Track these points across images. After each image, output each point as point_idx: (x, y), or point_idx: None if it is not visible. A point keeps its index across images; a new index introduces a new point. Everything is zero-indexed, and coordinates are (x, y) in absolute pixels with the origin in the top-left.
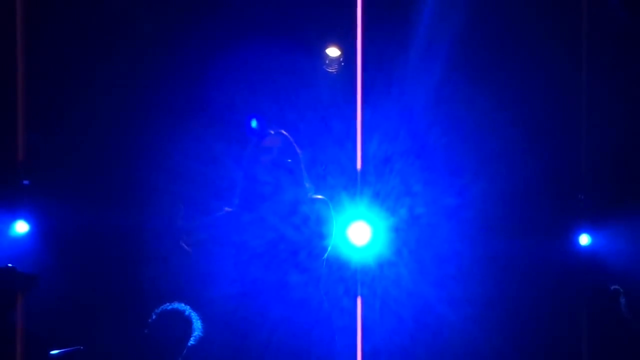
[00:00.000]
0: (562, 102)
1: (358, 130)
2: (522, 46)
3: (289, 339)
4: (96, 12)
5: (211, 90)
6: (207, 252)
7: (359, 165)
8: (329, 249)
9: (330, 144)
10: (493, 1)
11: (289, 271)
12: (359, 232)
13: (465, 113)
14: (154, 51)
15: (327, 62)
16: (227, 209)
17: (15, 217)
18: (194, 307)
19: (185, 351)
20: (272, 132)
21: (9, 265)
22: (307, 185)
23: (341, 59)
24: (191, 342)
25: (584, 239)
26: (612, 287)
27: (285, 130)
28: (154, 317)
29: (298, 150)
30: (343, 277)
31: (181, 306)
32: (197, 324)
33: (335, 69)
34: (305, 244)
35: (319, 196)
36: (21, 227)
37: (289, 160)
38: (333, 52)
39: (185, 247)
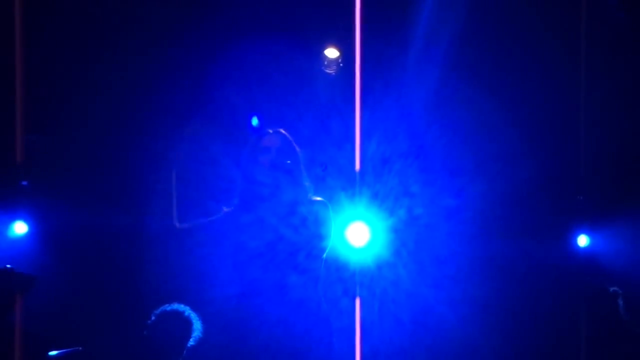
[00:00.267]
0: (561, 103)
1: (357, 131)
2: (521, 47)
3: (287, 340)
4: (95, 12)
5: (210, 91)
6: (206, 252)
7: (357, 166)
8: (328, 249)
9: (329, 145)
10: (492, 2)
11: (287, 272)
12: (358, 233)
13: (464, 114)
14: (152, 52)
15: (325, 63)
16: (225, 209)
17: (14, 218)
18: (193, 308)
19: (184, 352)
20: (271, 131)
21: (8, 266)
22: (307, 185)
23: (340, 60)
24: (191, 342)
25: (583, 240)
26: (611, 289)
27: (282, 129)
28: (153, 318)
29: (297, 150)
30: (342, 277)
31: (180, 307)
32: (197, 325)
33: (334, 69)
34: (304, 245)
35: (318, 198)
36: (20, 228)
37: (288, 162)
38: (332, 53)
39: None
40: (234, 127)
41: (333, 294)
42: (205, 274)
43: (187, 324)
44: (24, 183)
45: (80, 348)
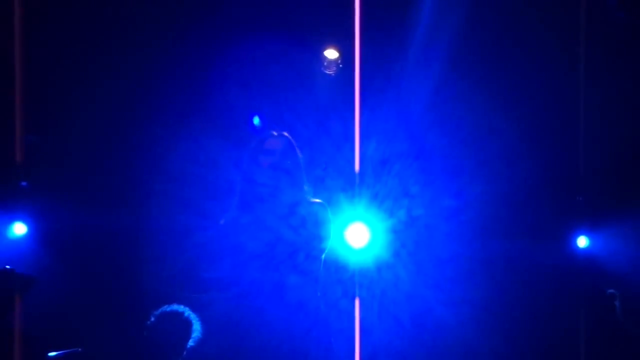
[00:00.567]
0: (561, 103)
1: (356, 132)
2: (520, 48)
3: (287, 341)
4: (94, 13)
5: (209, 92)
6: (206, 253)
7: (357, 167)
8: (327, 250)
9: (329, 146)
10: (491, 3)
11: (287, 273)
12: (357, 234)
13: (464, 115)
14: (152, 53)
15: (325, 64)
16: (222, 221)
17: (13, 218)
18: (193, 309)
19: (184, 352)
20: (275, 134)
21: (7, 267)
22: (306, 188)
23: (339, 61)
24: (190, 343)
25: (582, 241)
26: (608, 291)
27: (286, 132)
28: (152, 318)
29: (299, 153)
30: (341, 279)
31: (180, 307)
32: (196, 325)
33: (334, 70)
34: (304, 246)
35: (317, 200)
36: (19, 228)
37: (289, 162)
38: (331, 54)
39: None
40: (234, 128)
41: (332, 294)
42: (204, 275)
43: (187, 324)
44: (24, 184)
45: (79, 349)
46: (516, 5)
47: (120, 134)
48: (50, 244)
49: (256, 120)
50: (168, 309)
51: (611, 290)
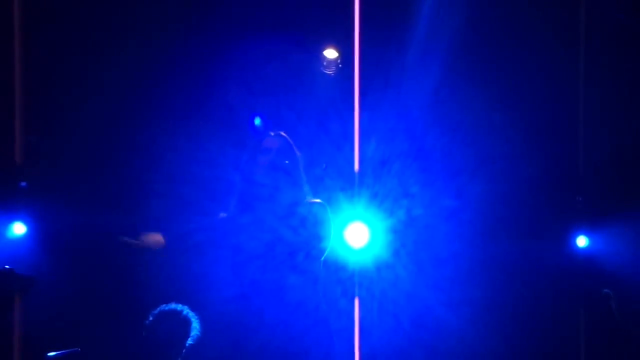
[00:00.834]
0: (560, 103)
1: (356, 132)
2: (520, 48)
3: (286, 340)
4: (94, 13)
5: (209, 92)
6: (205, 253)
7: (356, 167)
8: (327, 250)
9: (328, 146)
10: (491, 2)
11: (286, 273)
12: (357, 234)
13: (463, 115)
14: (152, 53)
15: (324, 64)
16: (222, 214)
17: (13, 218)
18: (193, 309)
19: (184, 351)
20: (272, 133)
21: (6, 267)
22: (306, 188)
23: (339, 61)
24: (189, 342)
25: (582, 241)
26: (604, 291)
27: (283, 132)
28: (151, 318)
29: (297, 153)
30: (341, 278)
31: (178, 306)
32: (195, 324)
33: (333, 70)
34: (303, 246)
35: (316, 199)
36: (18, 229)
37: (287, 162)
38: (331, 54)
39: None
40: (233, 128)
41: (332, 294)
42: (204, 275)
43: (186, 323)
44: (23, 184)
45: (79, 349)
46: (516, 5)
47: (119, 134)
48: (50, 244)
49: (257, 121)
50: (167, 308)
51: (606, 290)
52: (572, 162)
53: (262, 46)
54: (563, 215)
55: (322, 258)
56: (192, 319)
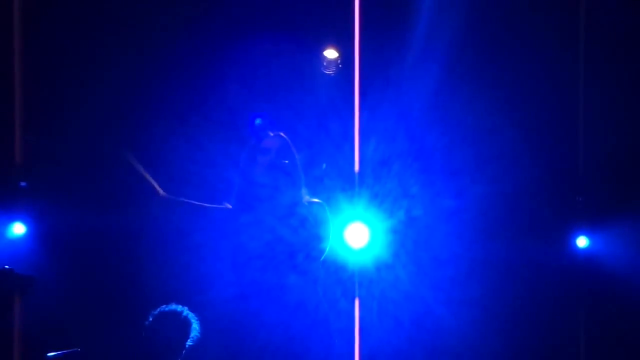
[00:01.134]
0: (560, 104)
1: (356, 132)
2: (520, 48)
3: (286, 341)
4: (94, 12)
5: (209, 92)
6: (205, 253)
7: (356, 167)
8: (327, 251)
9: (328, 146)
10: (491, 2)
11: (286, 273)
12: (357, 234)
13: (463, 115)
14: (152, 53)
15: (324, 64)
16: (227, 205)
17: (13, 218)
18: (192, 309)
19: (183, 352)
20: (271, 134)
21: (6, 267)
22: (305, 188)
23: (339, 61)
24: (189, 342)
25: (582, 241)
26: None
27: (282, 133)
28: (151, 318)
29: (296, 153)
30: (341, 279)
31: (178, 307)
32: (195, 325)
33: (333, 70)
34: (303, 246)
35: (316, 200)
36: (18, 229)
37: (286, 162)
38: (331, 54)
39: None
40: (233, 128)
41: (332, 295)
42: (204, 275)
43: (186, 324)
44: (23, 184)
45: (78, 349)
46: (516, 6)
47: (119, 134)
48: (50, 244)
49: (257, 122)
50: (166, 309)
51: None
52: (572, 162)
53: (262, 46)
54: (563, 215)
55: (322, 258)
56: (192, 320)
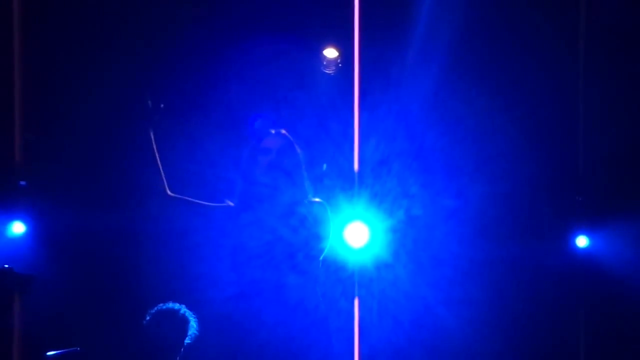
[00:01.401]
0: (560, 103)
1: (355, 132)
2: (520, 47)
3: (286, 340)
4: (94, 12)
5: (209, 91)
6: (205, 253)
7: (356, 167)
8: (326, 250)
9: (328, 145)
10: (491, 2)
11: (286, 272)
12: (357, 234)
13: (463, 114)
14: (152, 52)
15: (324, 63)
16: (229, 202)
17: (12, 218)
18: (191, 308)
19: (181, 350)
20: (273, 132)
21: (6, 266)
22: (306, 187)
23: (339, 60)
24: (187, 341)
25: (582, 241)
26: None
27: (284, 130)
28: (149, 317)
29: (298, 151)
30: (340, 278)
31: (176, 305)
32: (193, 323)
33: (333, 70)
34: (303, 246)
35: (316, 199)
36: (18, 228)
37: (288, 160)
38: (330, 53)
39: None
40: (233, 127)
41: (332, 294)
42: (203, 275)
43: (184, 322)
44: (22, 183)
45: (78, 348)
46: (516, 5)
47: (119, 133)
48: (49, 243)
49: (258, 124)
50: (164, 307)
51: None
52: (572, 162)
53: (262, 45)
54: (563, 214)
55: (322, 258)
56: (190, 318)
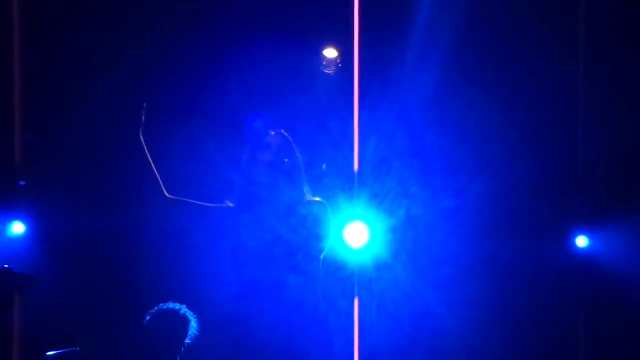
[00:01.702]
0: (560, 103)
1: (355, 131)
2: (520, 47)
3: (285, 340)
4: (94, 12)
5: (209, 91)
6: (203, 252)
7: (356, 166)
8: (326, 250)
9: (328, 145)
10: (490, 2)
11: (285, 272)
12: (356, 234)
13: (463, 114)
14: (152, 53)
15: (324, 63)
16: (229, 203)
17: (12, 217)
18: (191, 308)
19: (182, 350)
20: (272, 132)
21: (6, 266)
22: (305, 187)
23: (338, 60)
24: (187, 340)
25: (582, 241)
26: None
27: (283, 130)
28: (149, 316)
29: (297, 151)
30: (340, 278)
31: (176, 305)
32: (193, 323)
33: (333, 70)
34: (303, 245)
35: (316, 198)
36: (17, 227)
37: (286, 160)
38: (330, 53)
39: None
40: (233, 127)
41: (331, 294)
42: (203, 275)
43: (184, 322)
44: (22, 183)
45: (77, 348)
46: (515, 5)
47: (118, 133)
48: (49, 243)
49: (258, 124)
50: (164, 307)
51: None
52: (572, 162)
53: (261, 45)
54: (563, 215)
55: (322, 257)
56: (191, 318)
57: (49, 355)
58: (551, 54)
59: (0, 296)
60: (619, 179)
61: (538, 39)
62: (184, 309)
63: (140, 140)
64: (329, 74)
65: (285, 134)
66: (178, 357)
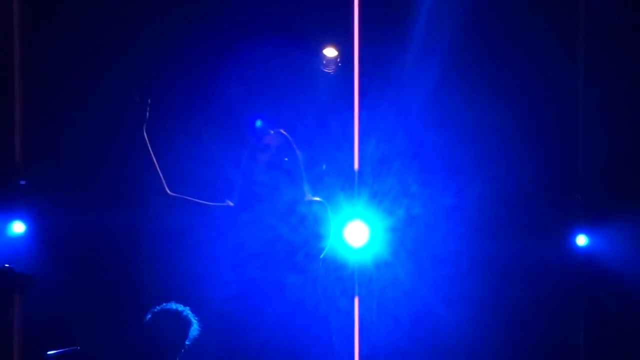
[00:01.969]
0: (560, 102)
1: (355, 131)
2: (520, 47)
3: (286, 340)
4: (94, 12)
5: (209, 91)
6: (204, 252)
7: (356, 166)
8: (326, 249)
9: (328, 145)
10: (490, 2)
11: (286, 272)
12: (357, 233)
13: (463, 113)
14: (152, 52)
15: (324, 62)
16: (229, 202)
17: (12, 217)
18: (192, 307)
19: (183, 351)
20: (272, 131)
21: (6, 265)
22: (306, 186)
23: (338, 60)
24: (188, 342)
25: (582, 240)
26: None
27: (283, 130)
28: (150, 317)
29: (297, 151)
30: (340, 277)
31: (179, 306)
32: (196, 325)
33: (333, 69)
34: (303, 245)
35: (317, 198)
36: (18, 227)
37: (286, 159)
38: (330, 52)
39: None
40: (233, 127)
41: (332, 293)
42: (203, 274)
43: (185, 323)
44: (22, 182)
45: (78, 347)
46: (515, 5)
47: (118, 132)
48: (49, 243)
49: (258, 124)
50: (166, 307)
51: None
52: (572, 162)
53: (261, 45)
54: (563, 214)
55: (322, 257)
56: (193, 321)
57: (50, 354)
58: (551, 54)
59: (0, 296)
60: (619, 178)
61: (538, 39)
62: (187, 310)
63: (144, 137)
64: (329, 73)
65: (285, 133)
66: (178, 358)
